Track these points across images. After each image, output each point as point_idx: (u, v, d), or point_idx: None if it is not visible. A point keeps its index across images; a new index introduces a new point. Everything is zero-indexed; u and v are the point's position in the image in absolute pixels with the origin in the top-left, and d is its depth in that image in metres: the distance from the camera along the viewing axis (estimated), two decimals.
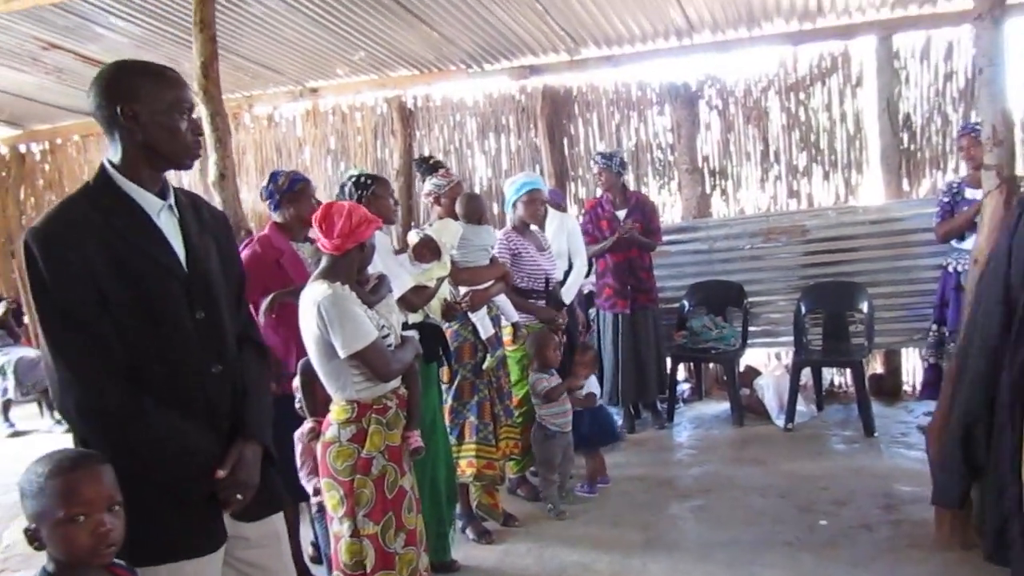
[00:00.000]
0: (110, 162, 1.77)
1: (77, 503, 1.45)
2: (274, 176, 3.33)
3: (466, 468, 3.68)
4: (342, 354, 2.37)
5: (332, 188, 7.28)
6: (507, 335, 4.04)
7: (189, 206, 1.88)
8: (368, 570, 2.56)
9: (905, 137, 5.84)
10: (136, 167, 1.76)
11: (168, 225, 1.79)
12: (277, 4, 5.35)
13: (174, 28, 5.80)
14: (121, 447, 1.65)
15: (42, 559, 1.53)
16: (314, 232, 2.52)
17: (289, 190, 3.27)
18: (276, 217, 3.32)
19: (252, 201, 6.69)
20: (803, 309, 5.62)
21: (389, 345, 2.48)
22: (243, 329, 1.96)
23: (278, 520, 2.01)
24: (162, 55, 6.35)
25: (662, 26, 5.86)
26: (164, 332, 1.74)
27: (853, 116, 5.99)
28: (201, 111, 4.82)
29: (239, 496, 1.79)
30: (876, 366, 6.06)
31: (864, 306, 5.46)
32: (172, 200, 1.81)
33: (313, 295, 2.39)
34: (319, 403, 2.65)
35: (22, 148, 8.72)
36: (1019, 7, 5.00)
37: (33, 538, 1.49)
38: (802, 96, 6.09)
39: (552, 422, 4.04)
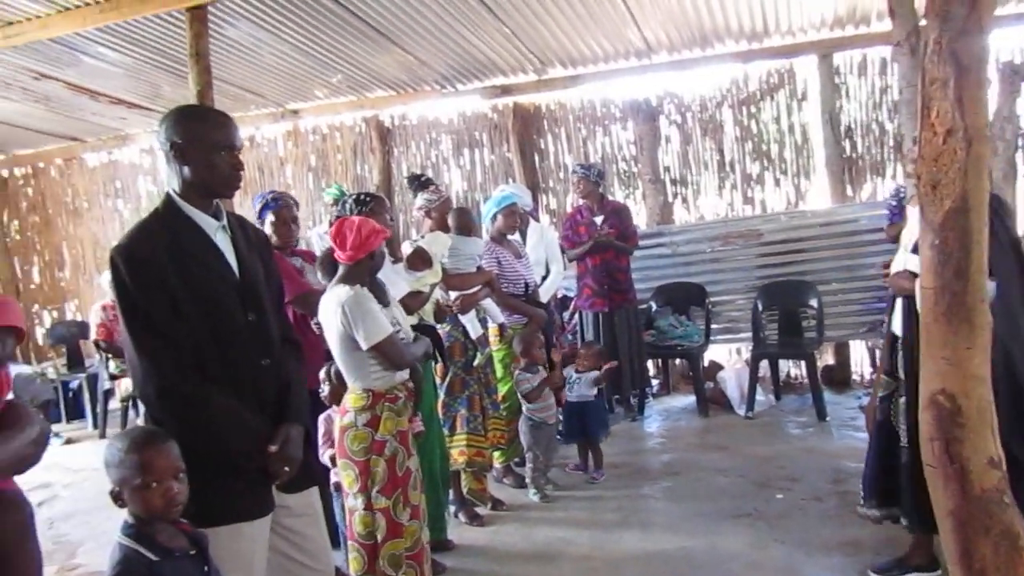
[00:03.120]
0: (173, 190, 2.13)
1: (150, 472, 1.79)
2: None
3: (458, 456, 4.06)
4: (364, 346, 2.74)
5: (314, 204, 7.65)
6: (492, 335, 4.44)
7: (238, 226, 2.24)
8: (379, 539, 2.91)
9: (847, 146, 6.36)
10: (190, 195, 2.13)
11: (223, 242, 2.16)
12: (259, 32, 5.65)
13: (161, 56, 6.08)
14: (191, 426, 2.00)
15: None
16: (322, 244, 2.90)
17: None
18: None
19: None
20: (759, 307, 6.08)
21: (402, 339, 2.86)
22: (283, 330, 2.33)
23: (315, 493, 2.37)
24: (149, 81, 6.68)
25: (623, 47, 6.30)
26: (223, 332, 2.09)
27: (800, 127, 6.51)
28: None
29: (286, 469, 2.14)
30: (828, 358, 6.54)
31: (815, 302, 5.94)
32: (225, 221, 2.18)
33: (337, 297, 2.76)
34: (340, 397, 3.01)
35: (4, 172, 8.90)
36: None
37: (116, 498, 1.83)
38: (753, 110, 6.59)
39: (536, 415, 4.43)
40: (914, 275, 2.97)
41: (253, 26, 5.52)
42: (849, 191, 6.39)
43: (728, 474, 4.62)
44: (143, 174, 8.45)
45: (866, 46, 6.17)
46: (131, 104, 7.31)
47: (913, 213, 3.16)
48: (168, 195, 2.14)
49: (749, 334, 6.20)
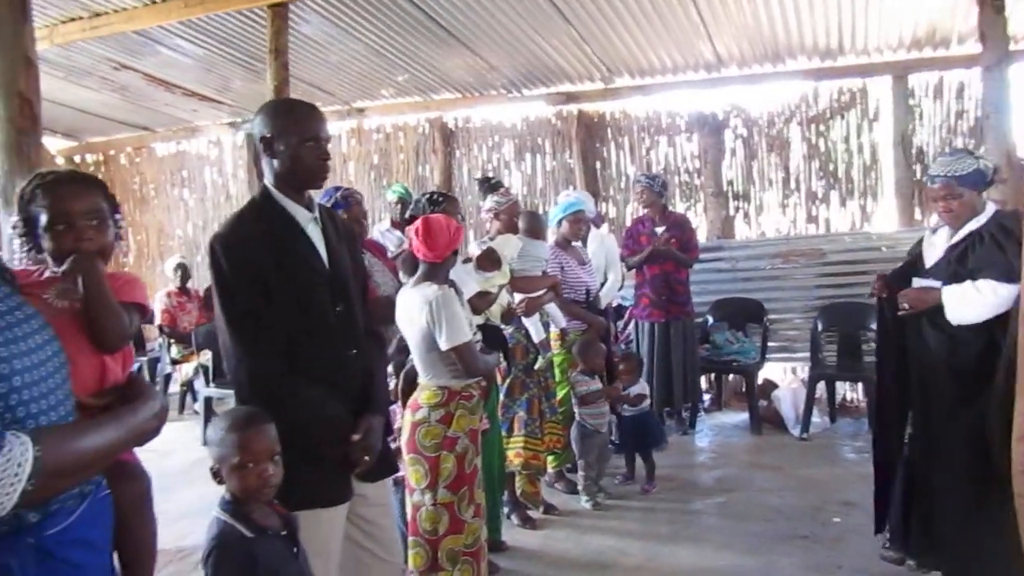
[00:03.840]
0: (269, 182, 2.19)
1: (248, 453, 1.84)
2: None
3: (514, 458, 4.08)
4: (443, 346, 2.76)
5: (375, 202, 7.75)
6: (554, 340, 4.46)
7: (328, 219, 2.29)
8: (440, 534, 2.93)
9: (918, 169, 6.23)
10: (283, 187, 2.18)
11: (315, 234, 2.20)
12: (333, 30, 5.76)
13: (235, 51, 6.25)
14: (278, 413, 2.03)
15: None
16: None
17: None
18: None
19: None
20: (819, 327, 5.99)
21: (477, 343, 2.89)
22: (367, 322, 2.37)
23: (389, 484, 2.41)
24: (221, 75, 6.85)
25: (692, 59, 6.28)
26: (312, 321, 2.14)
27: (869, 148, 6.41)
28: None
29: (367, 458, 2.18)
30: None
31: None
32: (316, 213, 2.23)
33: (424, 295, 2.79)
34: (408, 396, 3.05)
35: (76, 159, 9.20)
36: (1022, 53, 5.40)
37: (215, 475, 1.88)
38: (822, 128, 6.51)
39: (590, 421, 4.43)
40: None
41: (328, 23, 5.63)
42: (918, 215, 6.27)
43: (782, 494, 4.56)
44: (209, 165, 8.66)
45: (943, 68, 6.06)
46: (203, 97, 7.51)
47: (939, 237, 3.19)
48: (264, 187, 2.20)
49: (806, 354, 6.11)
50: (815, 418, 5.80)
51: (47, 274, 1.76)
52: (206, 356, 6.24)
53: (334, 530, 2.20)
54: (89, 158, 9.18)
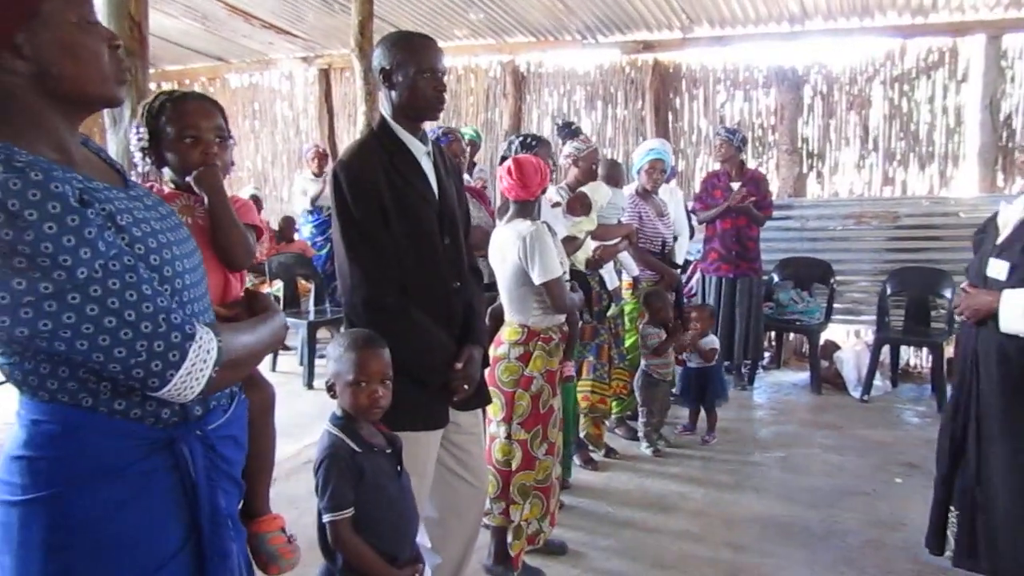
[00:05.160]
0: (386, 113, 2.26)
1: (362, 372, 1.92)
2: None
3: (581, 401, 4.17)
4: (536, 280, 2.83)
5: None
6: (625, 288, 4.50)
7: (437, 154, 2.35)
8: (513, 468, 3.05)
9: (1004, 134, 6.05)
10: (400, 118, 2.24)
11: (427, 166, 2.27)
12: None
13: None
14: (389, 336, 2.14)
15: None
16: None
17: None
18: None
19: None
20: (888, 290, 5.93)
21: (568, 282, 2.96)
22: (469, 256, 2.45)
23: (480, 414, 2.51)
24: (297, 7, 6.89)
25: (776, 11, 6.13)
26: (423, 252, 2.22)
27: (954, 110, 6.22)
28: (355, 67, 5.35)
29: (466, 387, 2.28)
30: (949, 351, 6.33)
31: (948, 292, 5.75)
32: (429, 147, 2.29)
33: (517, 231, 2.86)
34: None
35: (152, 86, 9.33)
36: None
37: (330, 389, 1.99)
38: (906, 87, 6.33)
39: (656, 371, 4.50)
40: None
41: None
42: (1000, 181, 6.10)
43: (843, 453, 4.59)
44: (281, 99, 8.77)
45: None
46: (279, 29, 7.58)
47: (1015, 208, 2.70)
48: (382, 117, 2.27)
49: (871, 317, 6.06)
50: (877, 381, 5.78)
51: (166, 190, 1.83)
52: (278, 286, 6.42)
53: (431, 453, 2.31)
54: (164, 86, 9.33)
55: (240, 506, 1.51)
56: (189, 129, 1.77)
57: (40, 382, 1.15)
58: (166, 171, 1.84)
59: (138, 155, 1.85)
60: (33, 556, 1.14)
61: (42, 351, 1.11)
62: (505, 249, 2.90)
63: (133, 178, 1.37)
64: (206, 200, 1.77)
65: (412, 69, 2.19)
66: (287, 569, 1.70)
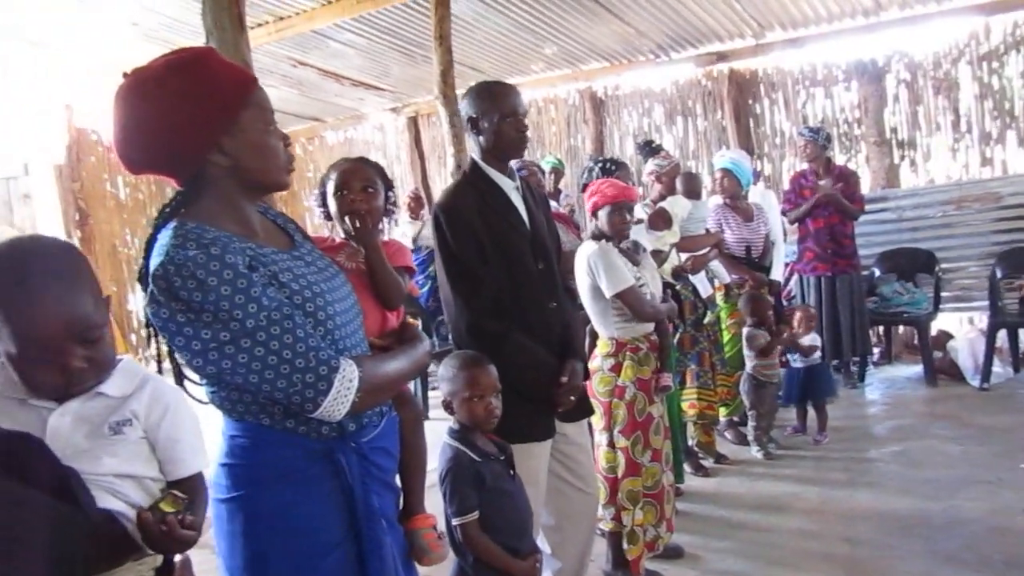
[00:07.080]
0: (477, 157, 2.50)
1: (476, 387, 2.15)
2: None
3: (688, 409, 4.29)
4: (607, 294, 3.03)
5: None
6: (718, 294, 4.60)
7: (526, 188, 2.58)
8: (619, 475, 3.18)
9: None
10: (489, 159, 2.48)
11: (517, 200, 2.50)
12: (481, 7, 6.06)
13: (395, 39, 6.72)
14: (495, 357, 2.35)
15: None
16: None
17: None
18: None
19: None
20: (999, 273, 5.75)
21: (646, 294, 3.11)
22: (563, 278, 2.65)
23: (586, 425, 2.68)
24: (381, 63, 7.34)
25: (848, 6, 6.12)
26: (519, 278, 2.43)
27: None
28: (441, 113, 5.69)
29: (571, 399, 2.47)
30: None
31: None
32: (518, 182, 2.52)
33: (584, 251, 3.08)
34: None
35: None
36: None
37: (447, 407, 2.22)
38: (995, 65, 6.16)
39: (763, 372, 4.55)
40: None
41: (477, 2, 5.92)
42: None
43: (963, 442, 4.49)
44: (375, 149, 9.28)
45: None
46: (367, 85, 8.07)
47: None
48: (473, 160, 2.52)
49: (982, 303, 5.89)
50: (996, 368, 5.60)
51: (337, 240, 2.17)
52: None
53: (542, 463, 2.50)
54: None
55: (401, 507, 1.78)
56: (342, 184, 2.12)
57: (232, 405, 1.45)
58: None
59: (318, 211, 2.23)
60: (237, 541, 1.46)
61: (226, 383, 1.41)
62: (579, 271, 3.10)
63: (311, 227, 1.68)
64: (362, 252, 2.07)
65: (496, 116, 2.43)
66: (436, 561, 1.91)
